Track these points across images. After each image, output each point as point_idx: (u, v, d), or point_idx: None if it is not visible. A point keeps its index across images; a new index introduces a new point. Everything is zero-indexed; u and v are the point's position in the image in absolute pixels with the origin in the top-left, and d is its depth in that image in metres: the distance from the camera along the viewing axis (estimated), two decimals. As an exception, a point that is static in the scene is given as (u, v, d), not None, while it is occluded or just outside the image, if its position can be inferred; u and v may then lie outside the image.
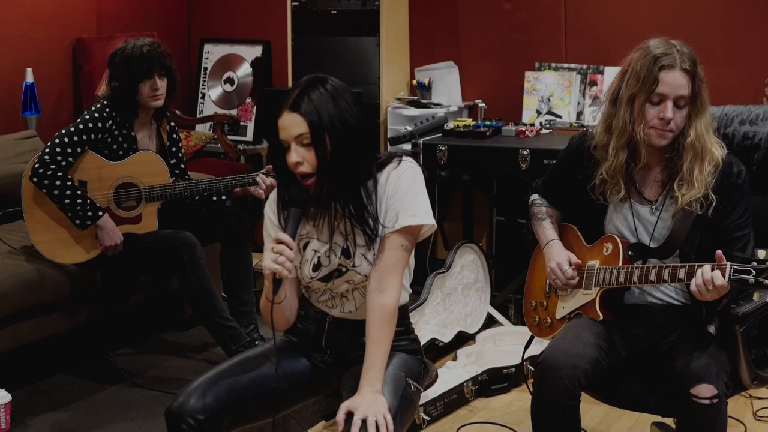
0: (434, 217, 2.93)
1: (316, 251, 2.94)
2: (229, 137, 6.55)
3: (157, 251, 4.54)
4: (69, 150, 4.43)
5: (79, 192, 4.42)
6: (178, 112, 6.58)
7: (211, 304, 4.53)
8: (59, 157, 4.40)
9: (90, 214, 4.45)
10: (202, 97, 6.98)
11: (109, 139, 4.52)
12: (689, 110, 3.09)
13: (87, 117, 4.50)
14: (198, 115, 6.90)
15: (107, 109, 4.52)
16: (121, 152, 4.56)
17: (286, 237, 2.75)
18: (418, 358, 3.02)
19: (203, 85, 6.98)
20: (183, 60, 7.12)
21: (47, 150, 4.42)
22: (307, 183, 2.82)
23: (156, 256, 4.56)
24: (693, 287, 2.95)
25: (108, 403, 4.41)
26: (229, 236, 4.73)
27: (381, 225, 2.86)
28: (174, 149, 4.79)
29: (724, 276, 2.88)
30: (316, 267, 2.94)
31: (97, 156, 4.52)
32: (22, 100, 5.79)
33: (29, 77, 5.79)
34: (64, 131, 4.45)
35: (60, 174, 4.39)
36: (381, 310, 2.83)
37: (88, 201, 4.44)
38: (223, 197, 4.79)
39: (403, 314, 3.00)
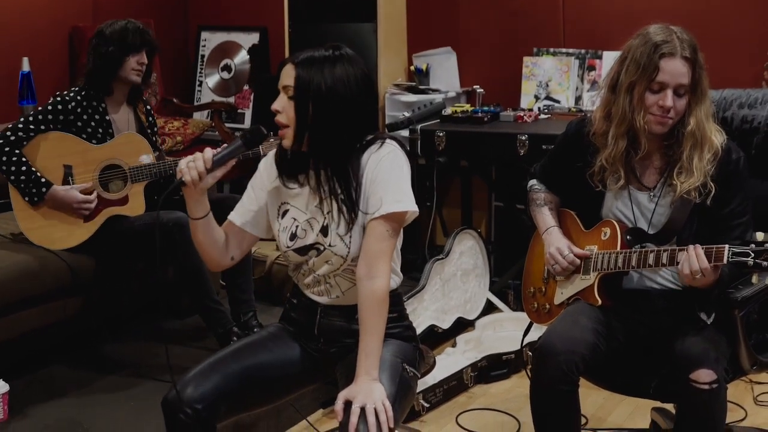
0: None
1: (294, 219, 2.93)
2: (227, 125, 6.53)
3: (149, 233, 4.53)
4: (29, 127, 4.49)
5: (24, 168, 4.46)
6: (175, 100, 6.57)
7: (201, 283, 4.54)
8: (9, 133, 4.47)
9: (35, 190, 4.48)
10: (200, 85, 6.96)
11: (79, 123, 4.56)
12: (689, 98, 3.07)
13: (51, 100, 4.56)
14: (195, 103, 6.88)
15: (74, 95, 4.57)
16: (99, 135, 4.59)
17: (208, 154, 2.81)
18: (414, 344, 3.01)
19: (200, 72, 6.97)
20: (180, 48, 7.11)
21: (6, 128, 4.50)
22: (280, 133, 2.85)
23: (148, 238, 4.54)
24: (681, 273, 2.95)
25: (106, 392, 4.41)
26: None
27: (360, 210, 2.83)
28: (149, 131, 4.81)
29: (722, 259, 2.87)
30: (293, 236, 2.93)
31: (81, 140, 4.55)
32: (18, 89, 5.78)
33: (26, 66, 5.78)
34: (29, 114, 4.54)
35: (7, 149, 4.44)
36: (372, 296, 2.79)
37: (33, 177, 4.46)
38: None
39: (396, 300, 2.98)
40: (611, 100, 3.18)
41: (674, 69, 3.03)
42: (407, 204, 2.81)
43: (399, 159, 2.84)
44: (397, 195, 2.79)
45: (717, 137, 3.10)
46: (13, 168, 4.45)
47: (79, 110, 4.55)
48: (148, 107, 4.88)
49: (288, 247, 2.95)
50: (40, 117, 4.51)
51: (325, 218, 2.88)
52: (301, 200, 2.93)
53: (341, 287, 2.94)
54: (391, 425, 2.68)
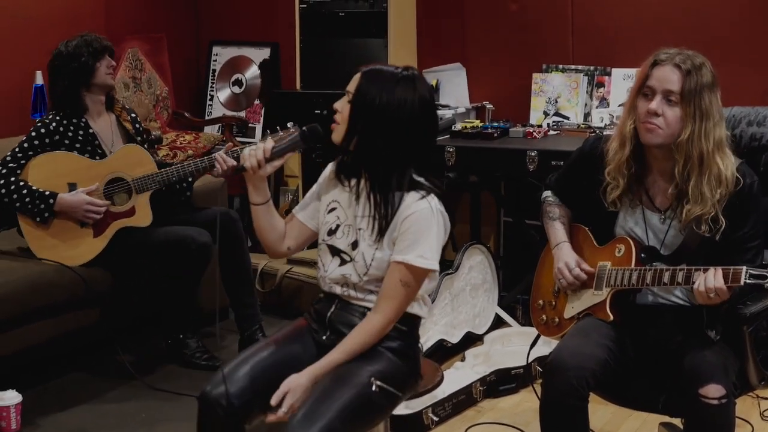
0: None
1: (338, 218, 3.06)
2: (238, 139, 6.56)
3: (163, 248, 4.60)
4: (17, 156, 4.55)
5: (24, 191, 4.48)
6: (186, 114, 6.61)
7: (185, 307, 4.78)
8: (0, 167, 4.51)
9: (42, 205, 4.50)
10: (211, 99, 6.99)
11: (67, 141, 4.61)
12: (682, 110, 3.05)
13: (32, 128, 4.64)
14: (206, 117, 6.91)
15: (53, 116, 4.63)
16: (89, 149, 4.64)
17: (269, 144, 3.06)
18: (406, 364, 3.04)
19: (212, 87, 6.99)
20: (191, 62, 7.14)
21: None
22: (332, 126, 3.00)
23: (162, 252, 4.60)
24: (696, 291, 2.97)
25: (118, 403, 4.44)
26: (223, 240, 4.75)
27: (386, 240, 2.94)
28: (139, 138, 4.84)
29: (739, 280, 2.88)
30: (331, 232, 3.06)
31: (82, 157, 4.60)
32: (31, 102, 5.81)
33: (39, 79, 5.80)
34: (16, 146, 4.58)
35: (2, 182, 4.48)
36: (367, 324, 2.96)
37: (36, 194, 4.49)
38: (185, 184, 4.85)
39: (414, 322, 3.07)
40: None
41: (662, 74, 3.05)
42: (430, 263, 2.94)
43: (436, 217, 2.95)
44: (422, 250, 2.91)
45: (728, 166, 3.06)
46: (14, 195, 4.47)
47: (61, 129, 4.60)
48: (133, 115, 4.91)
49: (323, 240, 3.08)
50: (26, 145, 4.56)
51: (357, 233, 2.99)
52: (346, 203, 3.05)
53: (357, 292, 3.03)
54: None
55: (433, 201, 2.95)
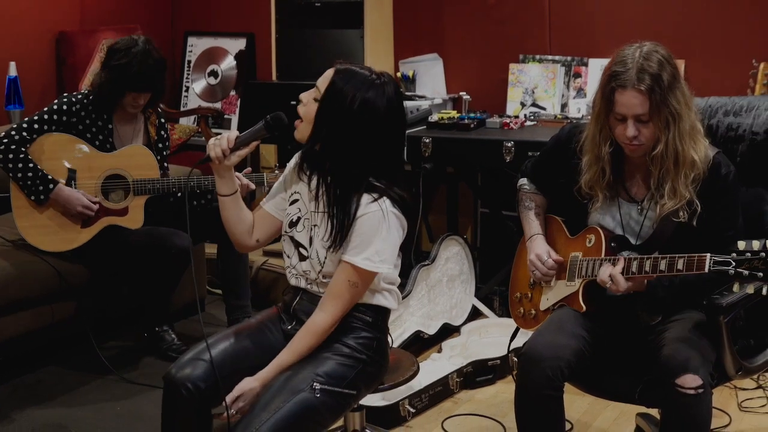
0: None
1: (299, 210, 3.07)
2: (214, 130, 6.54)
3: (145, 251, 4.55)
4: (33, 127, 4.50)
5: (30, 165, 4.45)
6: (162, 106, 6.56)
7: (163, 310, 4.80)
8: (14, 133, 4.47)
9: (41, 187, 4.47)
10: (186, 90, 6.96)
11: (80, 127, 4.56)
12: (655, 125, 3.05)
13: (56, 101, 4.57)
14: (182, 108, 6.88)
15: (81, 98, 4.57)
16: (97, 142, 4.59)
17: (233, 134, 3.04)
18: (364, 357, 3.02)
19: (187, 78, 6.96)
20: (167, 53, 7.07)
21: (11, 128, 4.51)
22: (296, 123, 3.00)
23: (143, 256, 4.56)
24: (600, 282, 3.06)
25: (93, 397, 4.41)
26: (224, 234, 4.72)
27: (341, 236, 2.93)
28: (160, 145, 4.79)
29: (703, 268, 2.88)
30: (292, 224, 3.07)
31: (88, 145, 4.55)
32: (5, 94, 5.77)
33: (12, 71, 5.77)
34: (35, 114, 4.53)
35: (13, 147, 4.44)
36: (311, 324, 2.96)
37: (40, 174, 4.46)
38: (209, 196, 4.80)
39: (380, 313, 3.07)
40: (590, 122, 3.21)
41: (627, 101, 3.03)
42: (377, 266, 2.93)
43: (385, 220, 2.91)
44: (369, 252, 2.90)
45: (700, 154, 3.08)
46: (20, 165, 4.43)
47: (83, 113, 4.55)
48: (162, 120, 4.85)
49: (286, 232, 3.09)
50: (45, 117, 4.51)
51: (312, 230, 3.00)
52: (306, 197, 3.04)
53: (319, 288, 3.04)
54: None
55: (384, 203, 2.92)
